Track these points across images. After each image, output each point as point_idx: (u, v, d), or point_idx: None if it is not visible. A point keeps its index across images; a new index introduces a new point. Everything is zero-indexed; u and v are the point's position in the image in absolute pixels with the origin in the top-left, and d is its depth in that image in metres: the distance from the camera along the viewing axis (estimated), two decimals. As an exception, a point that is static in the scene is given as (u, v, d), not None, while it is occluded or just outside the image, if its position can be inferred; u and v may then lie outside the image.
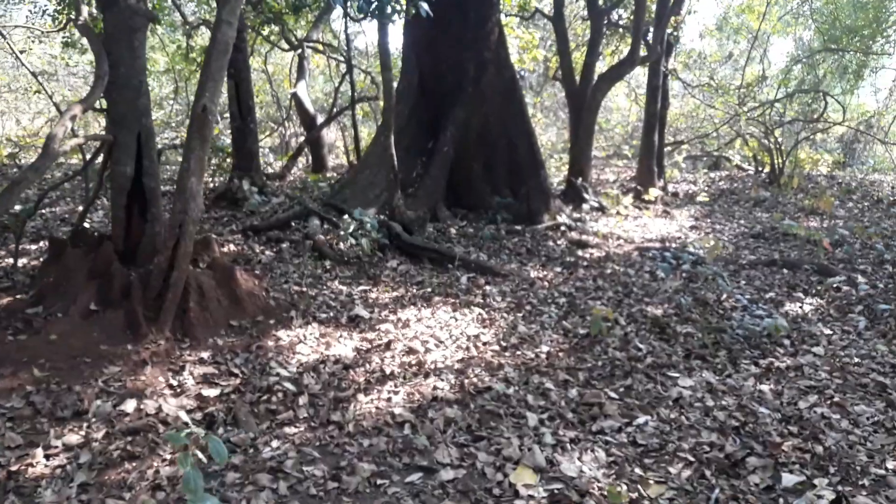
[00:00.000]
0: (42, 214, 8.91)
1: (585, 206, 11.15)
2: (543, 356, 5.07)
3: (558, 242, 9.19)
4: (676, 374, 4.82)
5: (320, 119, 14.30)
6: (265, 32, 12.55)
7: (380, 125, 8.56)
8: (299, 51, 14.01)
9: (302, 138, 15.41)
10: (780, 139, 15.49)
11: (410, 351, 4.99)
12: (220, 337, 5.01)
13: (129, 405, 3.92)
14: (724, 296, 6.70)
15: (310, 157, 15.31)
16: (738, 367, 5.03)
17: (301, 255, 7.45)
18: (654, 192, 12.43)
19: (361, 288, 6.60)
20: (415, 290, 6.64)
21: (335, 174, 13.45)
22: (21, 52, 10.29)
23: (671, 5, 12.37)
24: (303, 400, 4.11)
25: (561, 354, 5.13)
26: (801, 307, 6.61)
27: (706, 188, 15.21)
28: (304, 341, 5.09)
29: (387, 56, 8.02)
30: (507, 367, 4.80)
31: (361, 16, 7.20)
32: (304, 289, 6.33)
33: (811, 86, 17.22)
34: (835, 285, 7.16)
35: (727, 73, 20.86)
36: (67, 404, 3.89)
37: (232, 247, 7.69)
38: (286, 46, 14.13)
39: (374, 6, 5.80)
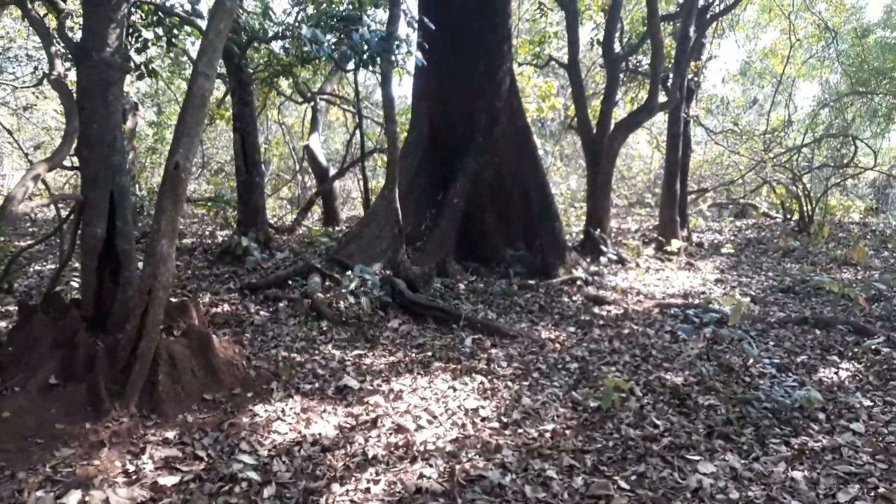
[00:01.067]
0: (26, 274, 8.69)
1: (603, 259, 10.66)
2: (548, 435, 4.56)
3: (573, 298, 8.69)
4: (697, 457, 4.27)
5: (333, 171, 14.09)
6: (278, 85, 12.41)
7: (386, 178, 8.22)
8: (312, 103, 13.89)
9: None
10: (808, 185, 14.92)
11: (399, 429, 4.51)
12: (192, 413, 4.59)
13: (73, 498, 3.48)
14: (751, 360, 6.14)
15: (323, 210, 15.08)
16: (767, 447, 4.47)
17: (298, 315, 7.05)
18: (676, 244, 11.90)
19: (356, 352, 6.16)
20: (414, 354, 6.18)
21: (347, 227, 13.15)
22: (26, 108, 10.24)
23: (690, 50, 12.03)
24: (269, 491, 3.65)
25: (568, 433, 4.61)
26: (836, 373, 6.01)
27: (732, 237, 14.62)
28: (282, 418, 4.64)
29: (391, 107, 7.72)
30: (505, 448, 4.29)
31: (352, 67, 6.94)
32: (294, 354, 5.91)
33: (839, 130, 16.69)
34: (873, 347, 6.56)
35: (752, 118, 20.40)
36: (3, 496, 3.47)
37: (227, 306, 7.34)
38: (300, 99, 14.03)
39: (366, 56, 5.50)
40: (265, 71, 10.16)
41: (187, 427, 4.41)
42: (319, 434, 4.41)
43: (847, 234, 14.24)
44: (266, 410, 4.73)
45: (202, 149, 17.29)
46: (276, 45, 7.92)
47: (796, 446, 4.48)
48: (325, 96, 14.01)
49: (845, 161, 15.74)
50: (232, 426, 4.46)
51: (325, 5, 9.02)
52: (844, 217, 16.08)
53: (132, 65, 6.21)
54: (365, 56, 5.59)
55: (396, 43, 5.67)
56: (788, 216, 16.14)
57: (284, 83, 13.24)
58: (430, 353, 6.18)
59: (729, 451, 4.38)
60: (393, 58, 5.76)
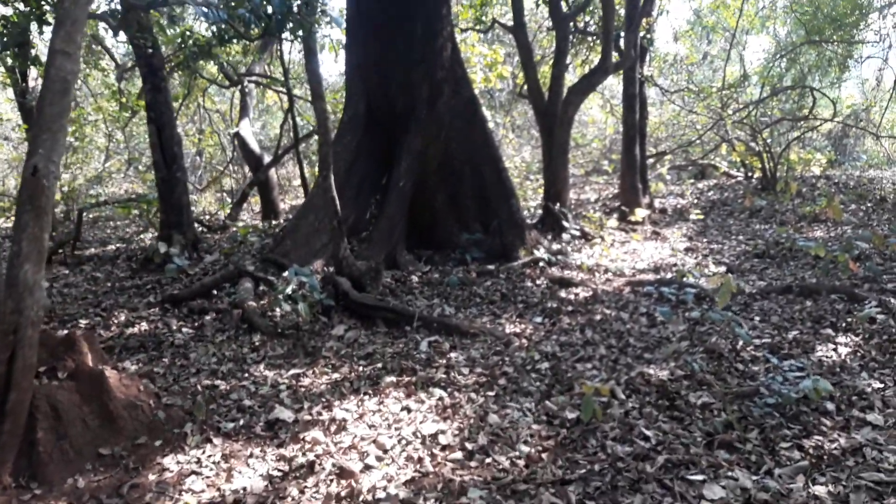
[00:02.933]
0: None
1: (566, 236, 9.93)
2: (521, 463, 3.80)
3: (538, 282, 7.94)
4: (699, 477, 3.56)
5: (268, 160, 13.03)
6: (199, 69, 11.30)
7: (319, 163, 7.31)
8: (241, 86, 12.79)
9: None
10: (768, 141, 14.40)
11: (342, 473, 3.69)
12: (84, 474, 3.71)
13: None
14: (742, 343, 5.46)
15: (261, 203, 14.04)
16: (778, 454, 3.78)
17: (227, 329, 6.16)
18: (640, 213, 11.25)
19: (293, 371, 5.30)
20: (361, 368, 5.35)
21: (287, 219, 12.16)
22: None
23: (642, 6, 11.28)
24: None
25: (545, 456, 3.86)
26: (834, 350, 5.38)
27: (695, 201, 14.06)
28: (198, 470, 3.79)
29: (317, 83, 6.80)
30: (472, 488, 3.51)
31: (257, 34, 6.00)
32: (218, 381, 5.03)
33: (795, 81, 16.21)
34: (869, 316, 5.95)
35: (706, 74, 19.84)
36: None
37: (144, 324, 6.40)
38: (227, 83, 12.92)
39: (274, 24, 4.59)
40: (180, 53, 9.08)
41: (78, 495, 3.54)
42: (243, 489, 3.57)
43: (811, 189, 13.78)
44: (178, 462, 3.87)
45: (129, 145, 16.05)
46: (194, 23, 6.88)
47: (811, 450, 3.80)
48: (254, 78, 12.93)
49: (805, 113, 15.28)
50: (134, 488, 3.60)
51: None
52: (806, 171, 15.65)
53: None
54: (271, 21, 4.67)
55: (309, 6, 4.76)
56: (750, 174, 15.65)
57: (208, 66, 12.13)
58: (379, 365, 5.36)
59: (736, 465, 3.68)
60: (311, 24, 4.84)
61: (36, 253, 3.61)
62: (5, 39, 5.78)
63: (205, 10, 4.32)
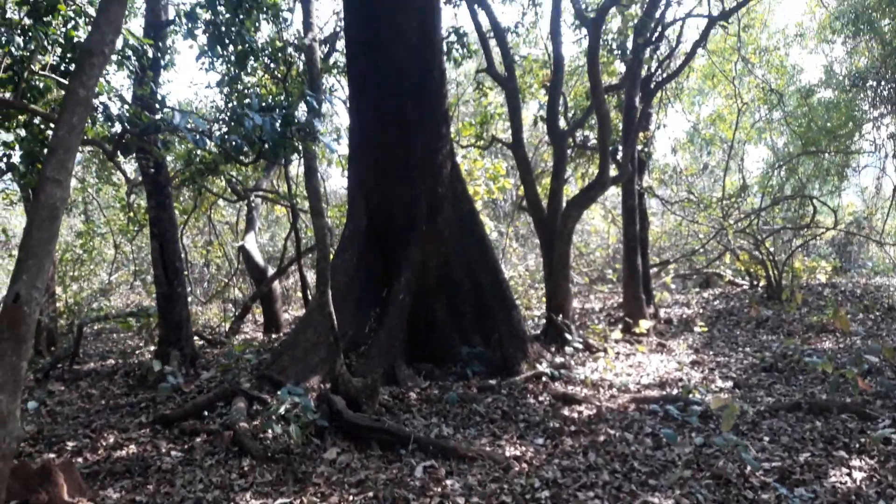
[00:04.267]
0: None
1: (569, 348, 9.77)
2: None
3: (540, 398, 7.73)
4: None
5: (272, 272, 13.11)
6: (206, 184, 11.56)
7: (316, 278, 7.30)
8: (247, 201, 13.05)
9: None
10: (771, 249, 14.42)
11: None
12: None
13: None
14: (750, 469, 5.21)
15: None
16: None
17: (217, 453, 5.95)
18: (644, 324, 11.12)
19: (281, 501, 5.06)
20: (352, 497, 5.11)
21: (288, 332, 12.07)
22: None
23: (638, 121, 11.60)
24: None
25: None
26: (849, 475, 5.12)
27: (701, 310, 13.93)
28: None
29: (316, 200, 6.90)
30: None
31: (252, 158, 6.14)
32: (201, 513, 4.80)
33: (795, 191, 16.43)
34: (884, 437, 5.70)
35: (706, 184, 20.18)
36: None
37: (133, 447, 6.20)
38: (234, 197, 13.20)
39: (269, 149, 4.70)
40: (186, 171, 9.30)
41: None
42: None
43: (817, 298, 13.66)
44: None
45: (136, 257, 16.23)
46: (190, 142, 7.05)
47: None
48: (261, 192, 13.21)
49: (805, 222, 15.38)
50: None
51: (248, 99, 8.32)
52: (811, 279, 15.58)
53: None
54: (265, 146, 4.78)
55: (308, 130, 4.88)
56: (755, 283, 15.58)
57: (216, 180, 12.42)
58: (371, 494, 5.12)
59: None
60: (306, 148, 4.94)
61: (12, 383, 3.53)
62: (11, 168, 5.94)
63: (196, 138, 4.42)
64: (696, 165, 19.09)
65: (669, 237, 17.91)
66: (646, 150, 13.34)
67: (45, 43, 6.01)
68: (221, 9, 5.48)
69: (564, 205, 11.01)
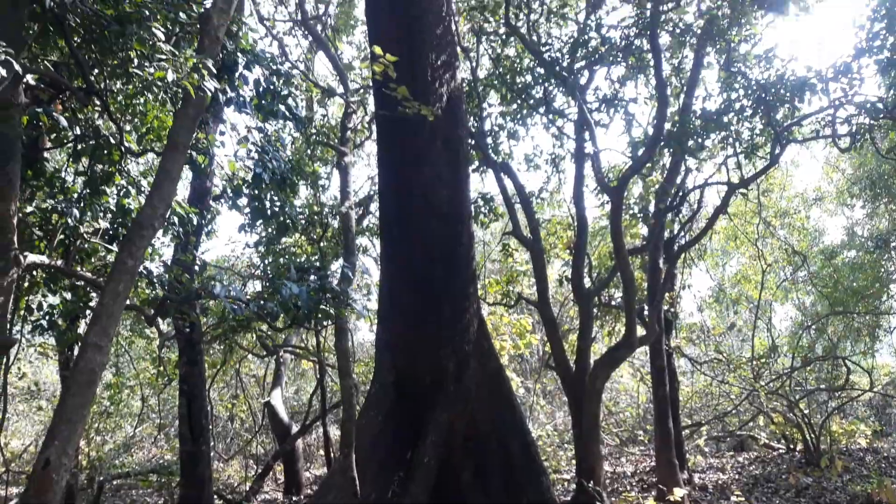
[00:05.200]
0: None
1: (600, 518, 9.35)
2: None
3: (569, 574, 7.32)
4: None
5: (296, 429, 12.99)
6: (237, 341, 11.80)
7: (340, 440, 7.25)
8: (276, 356, 13.21)
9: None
10: (806, 411, 14.00)
11: None
12: None
13: None
14: None
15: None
16: None
17: None
18: (679, 492, 10.64)
19: None
20: None
21: (309, 493, 11.77)
22: None
23: (663, 283, 11.76)
24: None
25: None
26: None
27: (737, 476, 13.34)
28: None
29: (345, 360, 7.03)
30: None
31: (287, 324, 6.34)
32: None
33: (826, 351, 16.19)
34: None
35: (734, 343, 19.99)
36: None
37: None
38: (263, 353, 13.38)
39: (302, 315, 4.90)
40: (219, 327, 9.54)
41: None
42: None
43: (859, 464, 13.06)
44: None
45: (161, 410, 16.22)
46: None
47: None
48: (290, 348, 13.38)
49: (840, 383, 15.02)
50: None
51: (284, 259, 8.71)
52: (851, 443, 14.96)
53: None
54: (299, 312, 4.98)
55: (337, 300, 5.11)
56: (792, 447, 14.98)
57: (247, 336, 12.65)
58: None
59: None
60: (338, 315, 5.15)
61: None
62: (52, 326, 6.20)
63: (234, 306, 4.65)
64: (723, 325, 19.03)
65: (700, 397, 17.52)
66: (672, 310, 13.41)
67: (99, 211, 6.46)
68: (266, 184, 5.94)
69: (592, 364, 10.96)
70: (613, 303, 14.29)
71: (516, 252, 14.73)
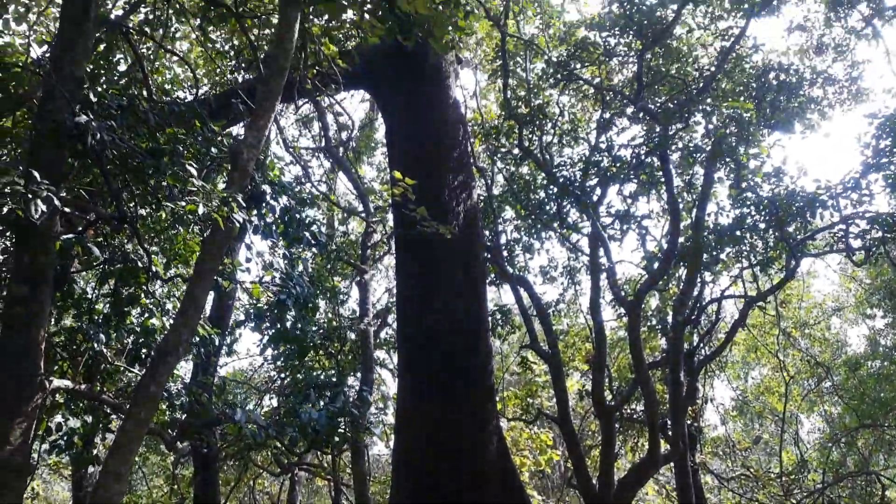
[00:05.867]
0: None
1: None
2: None
3: None
4: None
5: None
6: (251, 459, 11.62)
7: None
8: (291, 474, 12.96)
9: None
10: (844, 533, 13.37)
11: None
12: None
13: None
14: None
15: None
16: None
17: None
18: None
19: None
20: None
21: None
22: None
23: (685, 397, 11.56)
24: None
25: None
26: None
27: None
28: None
29: (362, 484, 6.90)
30: None
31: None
32: None
33: (857, 465, 15.59)
34: None
35: (761, 458, 19.32)
36: None
37: None
38: (277, 470, 13.12)
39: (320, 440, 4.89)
40: (235, 445, 9.44)
41: None
42: None
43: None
44: None
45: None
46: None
47: None
48: (305, 466, 13.13)
49: (875, 501, 14.39)
50: None
51: (301, 374, 8.72)
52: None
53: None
54: (318, 437, 4.98)
55: (355, 423, 5.10)
56: (830, 569, 14.20)
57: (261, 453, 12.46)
58: None
59: None
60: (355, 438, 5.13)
61: None
62: (69, 446, 6.20)
63: (253, 429, 4.66)
64: (748, 438, 18.48)
65: (730, 516, 16.78)
66: (695, 424, 13.11)
67: (123, 332, 6.59)
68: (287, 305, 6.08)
69: (616, 482, 10.63)
70: (636, 417, 14.00)
71: (535, 365, 14.63)
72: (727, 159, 9.88)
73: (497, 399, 11.09)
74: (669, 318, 12.18)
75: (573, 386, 15.24)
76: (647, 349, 13.51)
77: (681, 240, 10.39)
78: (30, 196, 4.20)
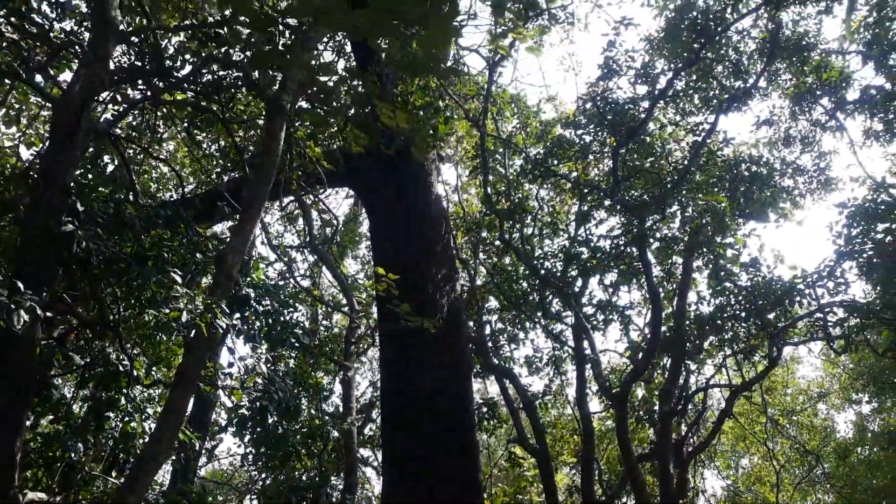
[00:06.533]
0: None
1: None
2: None
3: None
4: None
5: None
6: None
7: None
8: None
9: None
10: None
11: None
12: None
13: None
14: None
15: None
16: None
17: None
18: None
19: None
20: None
21: None
22: None
23: (674, 488, 11.34)
24: None
25: None
26: None
27: None
28: None
29: None
30: None
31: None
32: None
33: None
34: None
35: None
36: None
37: None
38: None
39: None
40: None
41: None
42: None
43: None
44: None
45: None
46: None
47: None
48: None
49: None
50: None
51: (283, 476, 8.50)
52: None
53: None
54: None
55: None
56: None
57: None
58: None
59: None
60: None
61: None
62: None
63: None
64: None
65: None
66: (688, 518, 12.80)
67: (101, 438, 6.43)
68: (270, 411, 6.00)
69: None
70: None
71: (523, 460, 14.34)
72: (704, 250, 10.09)
73: (485, 497, 10.82)
74: (656, 408, 12.09)
75: (562, 480, 14.92)
76: (635, 441, 13.32)
77: (663, 329, 10.45)
78: (12, 306, 4.20)
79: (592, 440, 11.53)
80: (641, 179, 11.02)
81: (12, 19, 6.06)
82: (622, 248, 11.00)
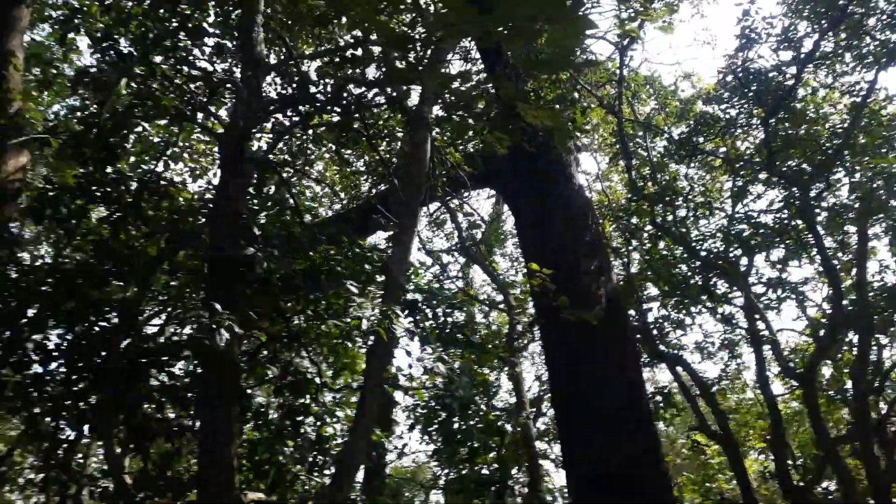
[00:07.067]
0: None
1: None
2: None
3: None
4: None
5: None
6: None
7: None
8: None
9: None
10: None
11: None
12: None
13: None
14: None
15: None
16: None
17: None
18: None
19: None
20: None
21: None
22: None
23: (885, 472, 10.47)
24: None
25: None
26: None
27: None
28: None
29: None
30: None
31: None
32: None
33: None
34: None
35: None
36: None
37: None
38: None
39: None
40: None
41: None
42: None
43: None
44: None
45: None
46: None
47: None
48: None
49: None
50: None
51: (465, 469, 8.77)
52: None
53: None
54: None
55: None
56: None
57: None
58: None
59: None
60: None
61: None
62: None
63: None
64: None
65: None
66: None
67: (300, 442, 7.05)
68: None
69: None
70: (831, 497, 12.79)
71: (706, 447, 13.84)
72: (881, 216, 9.37)
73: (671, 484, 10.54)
74: (847, 387, 11.27)
75: (752, 466, 14.19)
76: (829, 423, 12.45)
77: (844, 302, 9.77)
78: (213, 326, 4.76)
79: (780, 424, 10.96)
80: (798, 148, 10.41)
81: (178, 67, 6.78)
82: (786, 221, 10.43)
